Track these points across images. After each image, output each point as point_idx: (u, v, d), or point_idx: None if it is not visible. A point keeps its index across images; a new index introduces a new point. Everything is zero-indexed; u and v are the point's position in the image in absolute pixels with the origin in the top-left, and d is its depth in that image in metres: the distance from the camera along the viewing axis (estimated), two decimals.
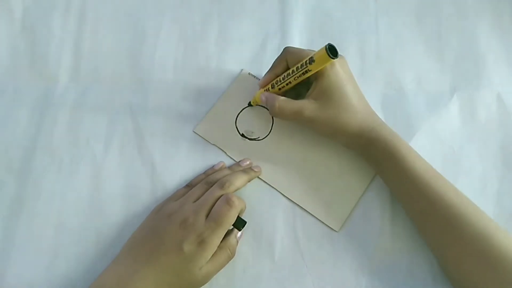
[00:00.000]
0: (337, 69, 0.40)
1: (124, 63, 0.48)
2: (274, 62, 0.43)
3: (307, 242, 0.41)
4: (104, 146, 0.45)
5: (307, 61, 0.38)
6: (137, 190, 0.43)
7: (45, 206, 0.42)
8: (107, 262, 0.38)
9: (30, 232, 0.41)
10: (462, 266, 0.37)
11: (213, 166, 0.44)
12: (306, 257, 0.41)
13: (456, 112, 0.47)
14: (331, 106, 0.39)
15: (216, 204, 0.38)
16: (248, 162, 0.44)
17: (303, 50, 0.41)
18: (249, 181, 0.42)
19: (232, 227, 0.39)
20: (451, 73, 0.49)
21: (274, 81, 0.43)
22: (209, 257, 0.36)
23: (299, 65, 0.39)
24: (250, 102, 0.46)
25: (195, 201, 0.39)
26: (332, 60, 0.37)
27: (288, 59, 0.42)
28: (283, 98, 0.41)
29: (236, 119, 0.46)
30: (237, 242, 0.40)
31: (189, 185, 0.43)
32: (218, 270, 0.38)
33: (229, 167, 0.44)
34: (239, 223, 0.39)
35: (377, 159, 0.40)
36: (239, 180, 0.41)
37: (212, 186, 0.40)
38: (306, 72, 0.39)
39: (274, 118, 0.46)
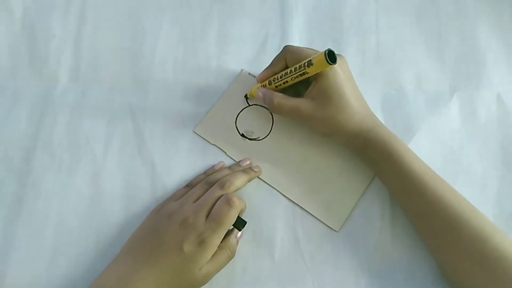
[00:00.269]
0: (336, 69, 0.40)
1: (124, 63, 0.48)
2: (274, 59, 0.43)
3: (307, 242, 0.41)
4: (104, 146, 0.45)
5: (306, 64, 0.39)
6: (137, 190, 0.43)
7: (45, 206, 0.42)
8: (107, 262, 0.38)
9: (30, 232, 0.41)
10: (460, 268, 0.37)
11: (213, 166, 0.44)
12: (306, 257, 0.41)
13: (456, 112, 0.47)
14: (329, 106, 0.40)
15: (216, 204, 0.38)
16: (248, 162, 0.44)
17: (302, 49, 0.41)
18: (249, 181, 0.42)
19: (232, 227, 0.39)
20: (451, 73, 0.49)
21: (271, 78, 0.43)
22: (209, 257, 0.36)
23: (297, 66, 0.39)
24: (246, 95, 0.47)
25: (195, 201, 0.39)
26: (330, 66, 0.37)
27: (287, 57, 0.42)
28: (280, 94, 0.41)
29: (236, 119, 0.46)
30: (237, 242, 0.40)
31: (189, 185, 0.43)
32: (218, 270, 0.38)
33: (229, 167, 0.44)
34: (239, 223, 0.39)
35: (375, 160, 0.40)
36: (239, 180, 0.41)
37: (212, 186, 0.40)
38: (304, 74, 0.39)
39: (274, 118, 0.46)
